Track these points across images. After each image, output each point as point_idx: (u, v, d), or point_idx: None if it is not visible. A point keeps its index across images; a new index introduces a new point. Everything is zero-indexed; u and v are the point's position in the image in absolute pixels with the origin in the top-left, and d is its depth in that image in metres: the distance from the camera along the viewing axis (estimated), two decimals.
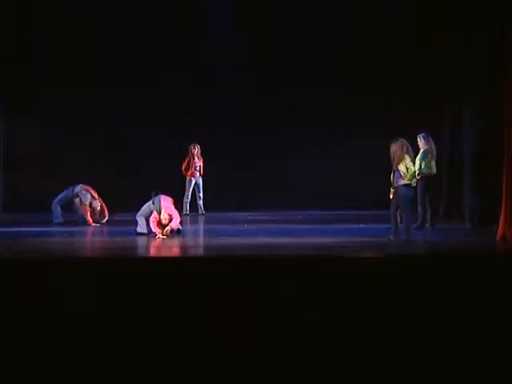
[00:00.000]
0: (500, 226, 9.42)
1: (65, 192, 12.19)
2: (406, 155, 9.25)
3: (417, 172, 10.32)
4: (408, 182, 9.24)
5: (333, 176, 14.78)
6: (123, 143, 14.93)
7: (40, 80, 14.71)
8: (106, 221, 12.13)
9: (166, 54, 15.04)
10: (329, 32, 14.81)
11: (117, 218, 12.46)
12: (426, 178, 11.06)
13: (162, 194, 10.35)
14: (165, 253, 9.03)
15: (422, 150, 11.18)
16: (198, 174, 13.77)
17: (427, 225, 11.17)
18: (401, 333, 6.68)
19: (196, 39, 15.28)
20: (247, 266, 7.34)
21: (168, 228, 9.90)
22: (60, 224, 11.90)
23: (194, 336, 6.58)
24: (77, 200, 11.97)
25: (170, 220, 9.93)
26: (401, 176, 9.23)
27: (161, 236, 9.81)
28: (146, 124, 14.94)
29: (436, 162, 11.36)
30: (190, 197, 13.79)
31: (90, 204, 11.93)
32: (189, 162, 13.74)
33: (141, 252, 9.07)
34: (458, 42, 12.08)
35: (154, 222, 9.92)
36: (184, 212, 13.52)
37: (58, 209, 12.11)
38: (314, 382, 6.47)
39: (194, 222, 12.79)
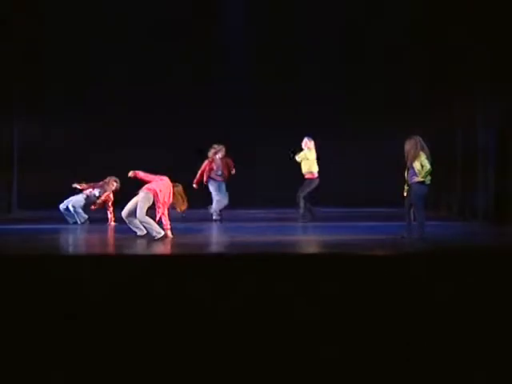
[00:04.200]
0: None
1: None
2: (420, 152, 9.22)
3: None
4: (422, 180, 9.21)
5: (345, 174, 14.80)
6: (133, 141, 15.01)
7: (54, 79, 14.86)
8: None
9: (170, 54, 15.16)
10: (336, 29, 14.85)
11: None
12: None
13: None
14: (176, 250, 9.04)
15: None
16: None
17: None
18: (416, 331, 6.64)
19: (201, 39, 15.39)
20: (258, 263, 7.35)
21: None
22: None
23: (204, 334, 6.57)
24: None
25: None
26: (415, 173, 9.20)
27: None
28: (152, 123, 15.00)
29: (449, 159, 11.40)
30: None
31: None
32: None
33: (150, 250, 9.08)
34: (472, 41, 12.04)
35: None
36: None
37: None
38: (327, 380, 6.45)
39: (205, 219, 12.71)
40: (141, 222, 9.51)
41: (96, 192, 11.99)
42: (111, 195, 12.00)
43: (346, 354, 6.47)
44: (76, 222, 11.89)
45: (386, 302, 6.78)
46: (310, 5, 15.12)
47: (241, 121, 15.11)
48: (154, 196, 9.40)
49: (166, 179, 9.66)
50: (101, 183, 12.03)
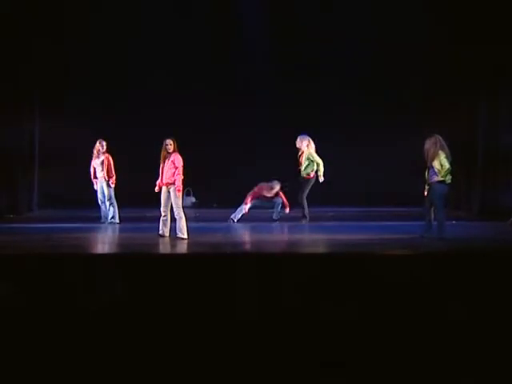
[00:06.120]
0: None
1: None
2: (440, 151, 9.14)
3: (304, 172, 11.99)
4: (442, 179, 9.14)
5: (365, 173, 14.74)
6: (153, 141, 15.04)
7: (75, 80, 14.98)
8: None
9: (185, 57, 15.23)
10: (357, 24, 14.76)
11: (149, 215, 12.45)
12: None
13: None
14: (196, 250, 9.06)
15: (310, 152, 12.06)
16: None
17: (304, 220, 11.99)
18: (436, 331, 6.60)
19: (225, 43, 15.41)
20: (277, 262, 7.35)
21: None
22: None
23: (225, 333, 6.57)
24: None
25: None
26: (435, 173, 9.13)
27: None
28: (174, 123, 15.01)
29: (470, 159, 11.32)
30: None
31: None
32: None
33: (168, 249, 9.09)
34: (497, 41, 11.92)
35: None
36: None
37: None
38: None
39: (224, 219, 12.66)
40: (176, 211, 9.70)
41: (96, 165, 12.10)
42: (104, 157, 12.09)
43: (359, 355, 6.44)
44: (104, 221, 11.95)
45: (404, 301, 6.75)
46: (332, 5, 15.07)
47: (247, 121, 15.14)
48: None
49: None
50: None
